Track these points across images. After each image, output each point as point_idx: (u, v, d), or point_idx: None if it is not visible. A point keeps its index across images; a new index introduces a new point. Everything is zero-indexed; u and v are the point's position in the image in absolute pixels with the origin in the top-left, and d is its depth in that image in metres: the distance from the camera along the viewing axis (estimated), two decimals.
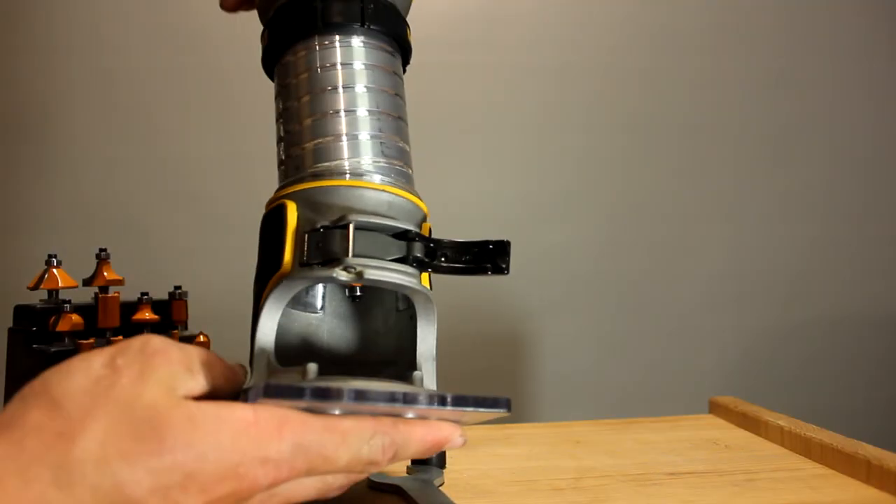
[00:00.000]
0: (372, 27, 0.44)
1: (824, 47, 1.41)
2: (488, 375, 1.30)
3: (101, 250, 0.64)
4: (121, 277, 0.64)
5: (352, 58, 0.44)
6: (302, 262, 0.39)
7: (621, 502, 0.47)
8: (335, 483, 0.35)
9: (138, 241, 1.21)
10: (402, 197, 0.42)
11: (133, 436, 0.30)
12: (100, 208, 1.23)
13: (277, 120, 0.46)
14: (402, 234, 0.41)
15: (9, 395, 0.61)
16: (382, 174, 0.43)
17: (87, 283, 0.63)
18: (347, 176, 0.42)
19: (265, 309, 0.39)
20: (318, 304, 0.46)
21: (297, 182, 0.42)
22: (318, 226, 0.39)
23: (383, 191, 0.42)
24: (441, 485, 0.50)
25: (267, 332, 0.39)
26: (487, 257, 0.42)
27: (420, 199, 0.44)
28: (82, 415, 0.30)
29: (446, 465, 0.53)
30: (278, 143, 0.46)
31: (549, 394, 1.34)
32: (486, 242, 0.42)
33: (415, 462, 0.53)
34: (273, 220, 0.41)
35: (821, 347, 1.41)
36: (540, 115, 1.34)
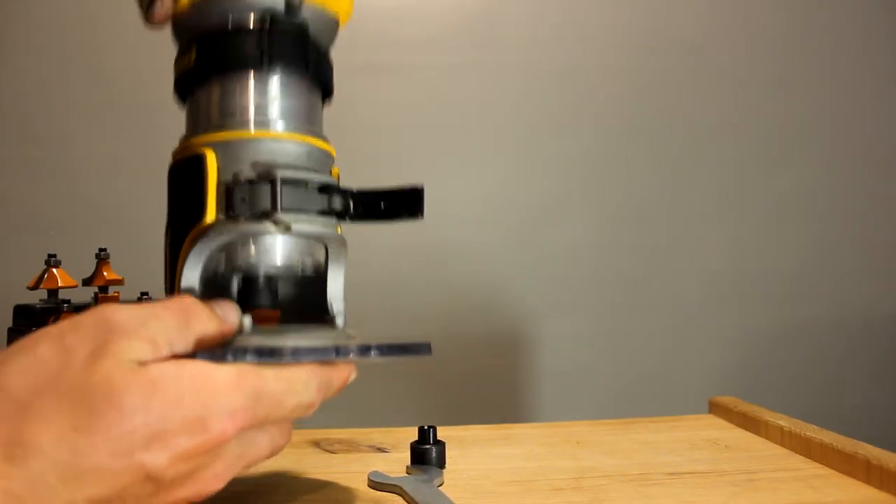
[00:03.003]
0: (308, 73, 0.44)
1: (824, 47, 1.41)
2: (488, 375, 1.30)
3: (101, 250, 0.64)
4: (121, 277, 0.64)
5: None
6: (227, 215, 0.40)
7: (621, 502, 0.46)
8: (281, 441, 0.36)
9: (138, 241, 1.21)
10: (316, 146, 0.43)
11: (87, 410, 0.29)
12: (100, 208, 1.23)
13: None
14: (324, 187, 0.42)
15: None
16: (292, 122, 0.43)
17: (87, 282, 0.63)
18: (252, 126, 0.42)
19: (189, 260, 0.40)
20: None
21: (212, 130, 0.42)
22: (243, 178, 0.40)
23: (302, 141, 0.43)
24: (441, 485, 0.50)
25: (192, 282, 0.41)
26: (402, 203, 0.43)
27: (328, 143, 0.45)
28: (29, 397, 0.30)
29: (446, 465, 0.53)
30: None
31: (549, 394, 1.34)
32: (401, 189, 0.43)
33: (414, 462, 0.53)
34: (189, 169, 0.41)
35: (821, 347, 1.41)
36: (540, 116, 1.34)
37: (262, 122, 0.42)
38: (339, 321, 0.43)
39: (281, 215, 0.39)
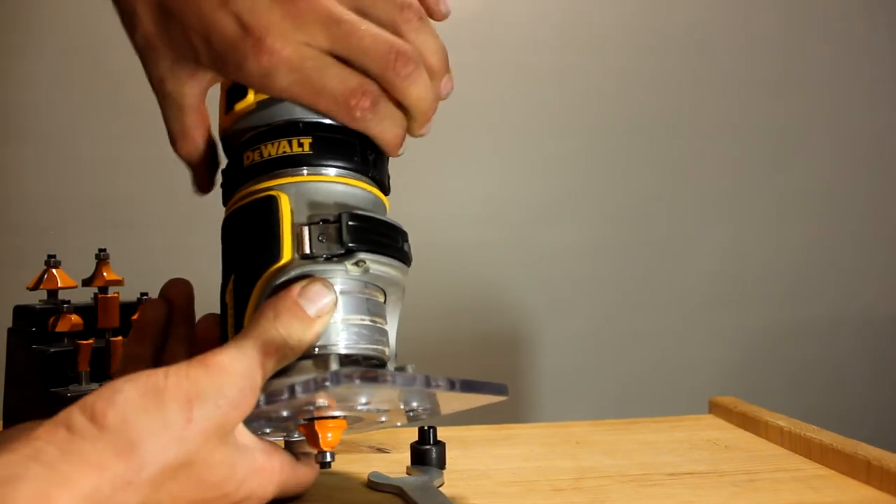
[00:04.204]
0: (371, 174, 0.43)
1: (824, 47, 1.41)
2: (488, 375, 1.30)
3: (101, 250, 0.64)
4: (120, 278, 0.64)
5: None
6: (304, 255, 0.39)
7: (621, 503, 0.46)
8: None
9: (138, 242, 1.21)
10: (377, 195, 0.43)
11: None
12: (100, 208, 1.23)
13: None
14: (394, 230, 0.41)
15: (8, 396, 0.61)
16: (360, 171, 0.42)
17: (87, 283, 0.63)
18: (323, 171, 0.41)
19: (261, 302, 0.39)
20: None
21: (278, 176, 0.41)
22: (318, 219, 0.39)
23: (369, 191, 0.42)
24: (441, 485, 0.50)
25: None
26: None
27: (385, 197, 0.45)
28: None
29: (446, 466, 0.53)
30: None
31: (549, 394, 1.34)
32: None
33: (414, 463, 0.53)
34: (258, 211, 0.40)
35: (821, 347, 1.41)
36: (540, 116, 1.34)
37: (332, 168, 0.41)
38: (391, 365, 0.42)
39: (364, 255, 0.39)
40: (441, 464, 0.53)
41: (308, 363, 0.38)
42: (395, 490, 0.48)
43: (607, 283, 1.36)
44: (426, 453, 0.52)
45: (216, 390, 0.33)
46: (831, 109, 1.42)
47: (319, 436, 0.38)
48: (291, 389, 0.34)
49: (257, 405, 0.35)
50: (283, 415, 0.38)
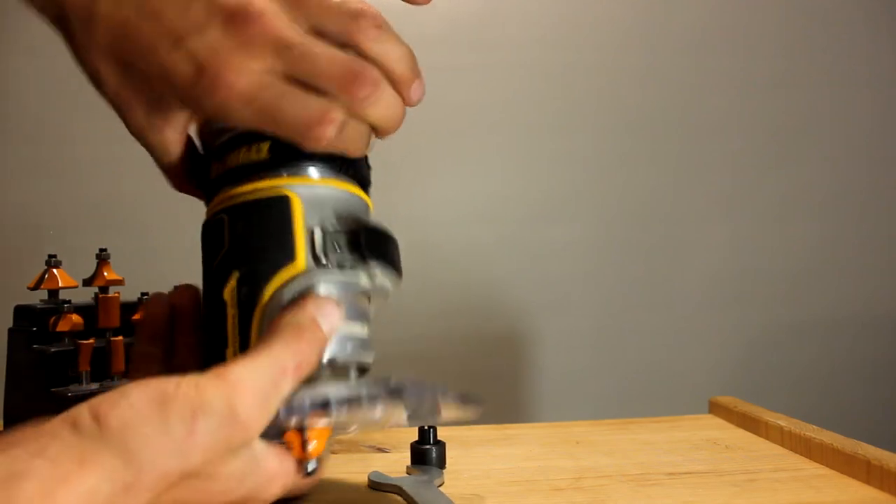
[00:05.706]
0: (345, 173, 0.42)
1: (824, 47, 1.41)
2: (488, 375, 1.30)
3: (101, 250, 0.64)
4: (121, 277, 0.64)
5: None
6: (319, 263, 0.38)
7: (621, 502, 0.47)
8: None
9: (138, 241, 1.21)
10: (365, 201, 0.42)
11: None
12: (100, 208, 1.23)
13: None
14: (396, 245, 0.41)
15: (9, 396, 0.62)
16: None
17: (87, 283, 0.63)
18: (331, 175, 0.41)
19: (274, 308, 0.38)
20: None
21: (290, 175, 0.40)
22: (331, 227, 0.39)
23: (360, 197, 0.42)
24: (441, 485, 0.50)
25: None
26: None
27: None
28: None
29: (446, 466, 0.53)
30: None
31: (549, 394, 1.34)
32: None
33: (415, 462, 0.53)
34: (274, 211, 0.39)
35: (821, 347, 1.41)
36: (540, 116, 1.34)
37: (335, 173, 0.41)
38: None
39: (376, 268, 0.39)
40: (441, 464, 0.53)
41: (326, 373, 0.38)
42: (395, 490, 0.48)
43: (607, 282, 1.36)
44: (426, 453, 0.53)
45: (226, 405, 0.32)
46: (832, 108, 1.42)
47: (307, 443, 0.38)
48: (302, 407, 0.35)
49: (276, 417, 0.35)
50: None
